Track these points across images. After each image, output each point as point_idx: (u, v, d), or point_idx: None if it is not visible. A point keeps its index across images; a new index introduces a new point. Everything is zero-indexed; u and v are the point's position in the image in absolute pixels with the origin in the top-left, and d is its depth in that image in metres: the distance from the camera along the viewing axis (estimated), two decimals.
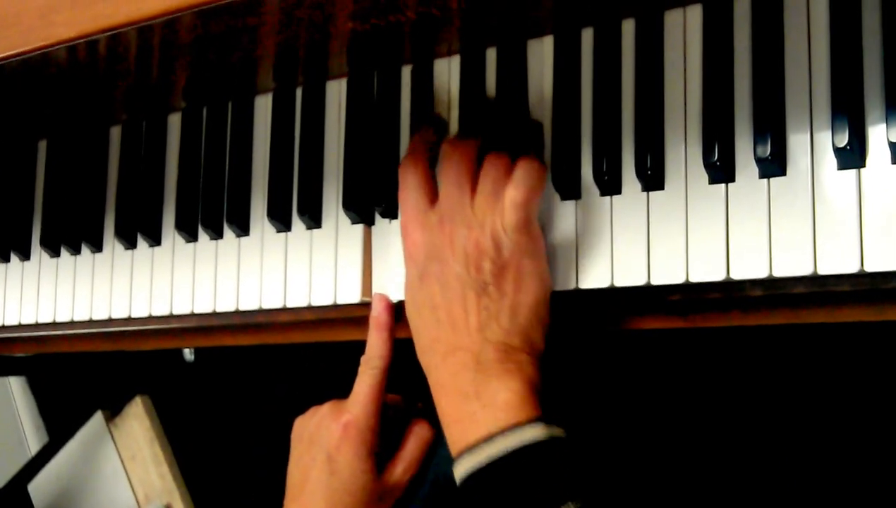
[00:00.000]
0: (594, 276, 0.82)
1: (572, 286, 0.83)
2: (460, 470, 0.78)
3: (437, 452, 0.94)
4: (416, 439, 0.94)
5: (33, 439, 1.93)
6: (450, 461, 0.80)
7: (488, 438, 0.77)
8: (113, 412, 1.53)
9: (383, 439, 0.92)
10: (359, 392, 0.91)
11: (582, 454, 0.78)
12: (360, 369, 0.92)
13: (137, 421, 1.48)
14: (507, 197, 0.80)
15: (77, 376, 1.76)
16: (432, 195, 0.86)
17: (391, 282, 0.93)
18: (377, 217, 0.95)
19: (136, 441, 1.48)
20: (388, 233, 0.94)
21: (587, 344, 1.19)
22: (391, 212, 0.94)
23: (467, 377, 0.79)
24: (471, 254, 0.80)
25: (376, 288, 0.94)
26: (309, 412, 0.95)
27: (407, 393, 0.96)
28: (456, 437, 0.80)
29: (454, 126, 0.92)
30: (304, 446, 0.93)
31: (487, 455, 0.77)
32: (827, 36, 0.76)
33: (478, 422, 0.78)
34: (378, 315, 0.92)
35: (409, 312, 0.86)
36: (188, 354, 1.51)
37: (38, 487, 1.61)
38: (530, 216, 0.81)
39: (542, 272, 0.82)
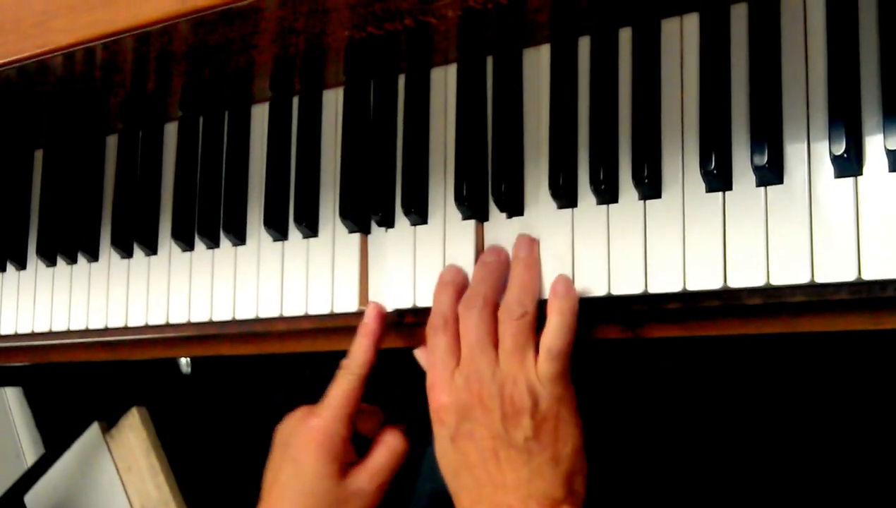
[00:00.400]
0: (590, 285, 0.82)
1: None
2: None
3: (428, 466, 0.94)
4: (384, 448, 0.92)
5: (30, 450, 1.92)
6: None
7: None
8: (109, 423, 1.53)
9: (360, 447, 0.92)
10: (332, 396, 0.91)
11: None
12: (338, 373, 0.92)
13: (134, 432, 1.48)
14: (545, 347, 0.80)
15: (73, 387, 1.75)
16: (458, 354, 0.85)
17: (387, 291, 0.93)
18: (374, 225, 0.95)
19: (133, 453, 1.48)
20: (384, 241, 0.94)
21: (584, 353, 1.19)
22: (388, 221, 0.94)
23: None
24: (507, 411, 0.79)
25: (373, 296, 0.94)
26: (285, 417, 0.95)
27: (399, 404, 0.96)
28: None
29: (451, 133, 0.92)
30: (277, 450, 0.94)
31: None
32: (824, 43, 0.76)
33: None
34: (368, 322, 0.92)
35: (445, 473, 0.85)
36: (185, 366, 1.51)
37: (34, 498, 1.61)
38: (567, 364, 0.80)
39: (577, 418, 0.81)
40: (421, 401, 0.86)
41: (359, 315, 0.94)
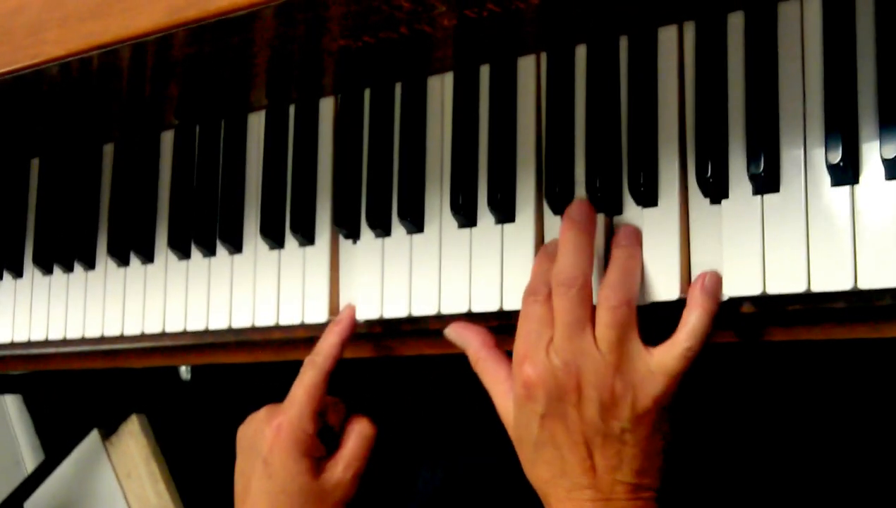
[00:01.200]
0: None
1: None
2: None
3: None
4: (355, 436, 0.93)
5: (29, 457, 1.92)
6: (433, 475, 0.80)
7: None
8: (109, 430, 1.53)
9: (328, 441, 0.93)
10: (295, 392, 0.92)
11: None
12: (302, 369, 0.92)
13: (133, 439, 1.48)
14: (681, 346, 0.76)
15: (73, 394, 1.75)
16: (552, 327, 0.81)
17: (379, 298, 0.93)
18: (371, 235, 0.95)
19: (133, 459, 1.48)
20: (381, 250, 0.94)
21: None
22: (386, 231, 0.93)
23: None
24: (605, 401, 0.77)
25: (363, 302, 0.94)
26: (248, 419, 0.95)
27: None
28: None
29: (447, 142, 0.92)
30: (244, 454, 0.94)
31: None
32: (820, 52, 0.76)
33: None
34: (341, 320, 0.92)
35: (524, 447, 0.82)
36: (184, 372, 1.51)
37: (34, 505, 1.61)
38: (689, 366, 0.77)
39: (672, 415, 0.79)
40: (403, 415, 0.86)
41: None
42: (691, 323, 0.77)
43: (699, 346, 0.77)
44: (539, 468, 0.81)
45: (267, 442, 0.91)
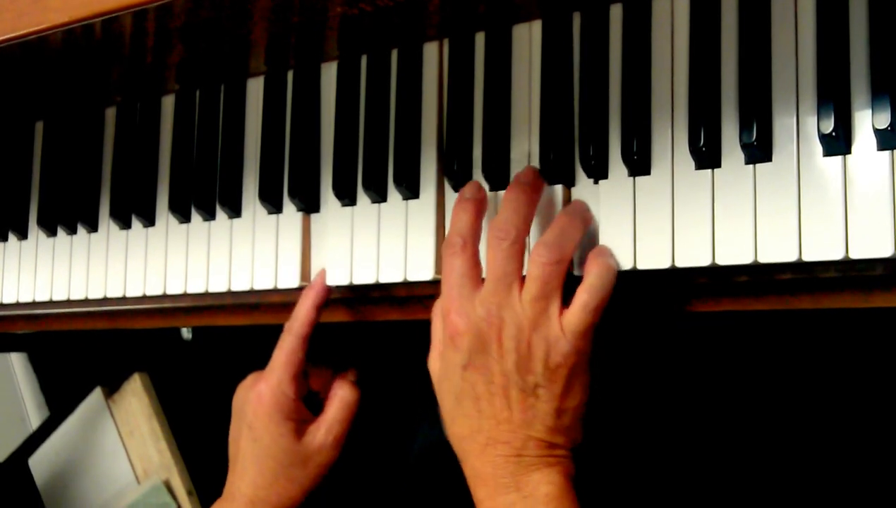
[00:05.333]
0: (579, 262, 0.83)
1: None
2: None
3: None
4: (336, 401, 0.96)
5: (34, 414, 1.94)
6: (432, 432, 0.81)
7: None
8: (112, 388, 1.54)
9: (315, 406, 0.95)
10: (275, 358, 0.94)
11: None
12: (281, 336, 0.94)
13: (136, 397, 1.49)
14: (580, 299, 0.78)
15: (77, 353, 1.76)
16: (478, 280, 0.83)
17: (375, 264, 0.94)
18: (361, 200, 0.96)
19: (135, 418, 1.49)
20: (378, 215, 0.94)
21: None
22: (381, 196, 0.94)
23: (508, 469, 0.79)
24: (522, 354, 0.79)
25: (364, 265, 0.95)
26: (239, 385, 0.98)
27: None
28: None
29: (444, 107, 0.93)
30: (234, 420, 0.97)
31: None
32: (814, 22, 0.76)
33: None
34: (313, 285, 0.94)
35: (443, 394, 0.84)
36: (186, 332, 1.52)
37: (38, 462, 1.62)
38: (595, 322, 0.79)
39: (587, 376, 0.81)
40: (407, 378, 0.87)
41: (348, 289, 0.95)
42: (589, 281, 0.79)
43: (599, 302, 0.79)
44: (458, 423, 0.83)
45: (251, 408, 0.94)
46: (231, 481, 0.96)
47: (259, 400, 0.94)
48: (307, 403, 0.96)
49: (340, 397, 0.96)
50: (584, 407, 0.81)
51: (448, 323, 0.82)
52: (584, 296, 0.79)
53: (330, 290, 0.95)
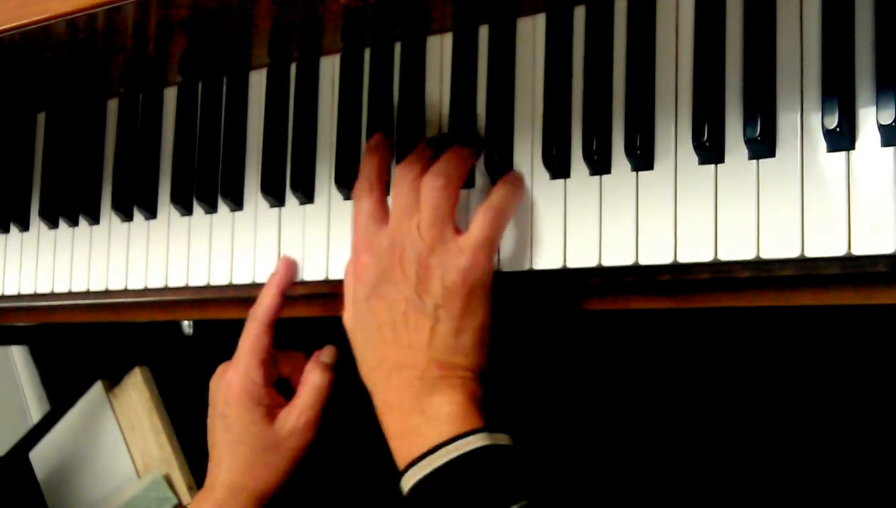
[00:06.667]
0: (582, 256, 0.83)
1: (559, 265, 0.83)
2: (407, 484, 0.80)
3: None
4: (307, 385, 0.96)
5: (35, 408, 1.94)
6: None
7: (433, 449, 0.79)
8: (113, 382, 1.54)
9: (288, 392, 0.96)
10: (241, 346, 0.96)
11: (529, 458, 0.79)
12: (246, 324, 0.96)
13: (137, 391, 1.49)
14: (478, 217, 0.82)
15: (78, 346, 1.77)
16: (385, 217, 0.87)
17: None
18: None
19: (136, 412, 1.49)
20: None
21: (572, 323, 1.20)
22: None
23: (411, 393, 0.81)
24: (421, 277, 0.82)
25: None
26: (213, 376, 0.99)
27: None
28: (402, 453, 0.82)
29: (446, 102, 0.92)
30: (210, 409, 0.98)
31: (432, 466, 0.78)
32: (819, 16, 0.76)
33: (423, 436, 0.80)
34: (277, 272, 0.96)
35: (354, 331, 0.87)
36: (187, 327, 1.52)
37: (38, 455, 1.62)
38: (496, 238, 0.83)
39: (488, 297, 0.83)
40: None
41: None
42: (489, 200, 0.83)
43: (496, 219, 0.82)
44: (367, 358, 0.85)
45: (222, 396, 0.96)
46: (210, 471, 0.98)
47: (229, 388, 0.95)
48: (281, 388, 0.96)
49: (312, 381, 0.96)
50: (486, 331, 0.83)
51: (356, 261, 0.86)
52: (482, 212, 0.82)
53: (293, 276, 0.97)
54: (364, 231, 0.86)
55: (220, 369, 0.98)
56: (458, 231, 0.83)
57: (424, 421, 0.81)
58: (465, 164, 0.86)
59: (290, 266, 0.96)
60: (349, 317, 0.87)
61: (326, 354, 0.99)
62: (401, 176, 0.85)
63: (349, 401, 0.89)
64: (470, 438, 0.79)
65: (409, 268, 0.82)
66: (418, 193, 0.84)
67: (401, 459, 0.82)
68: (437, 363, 0.81)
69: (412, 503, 0.79)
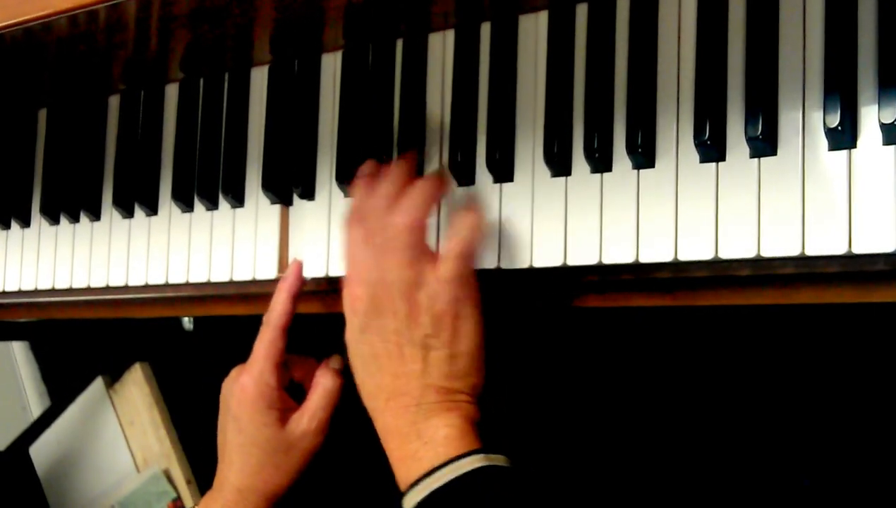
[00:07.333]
0: (581, 253, 0.83)
1: (559, 263, 0.84)
2: (407, 506, 0.81)
3: None
4: (318, 389, 0.97)
5: (35, 403, 1.94)
6: None
7: (430, 472, 0.80)
8: (113, 378, 1.54)
9: (299, 395, 0.97)
10: (256, 350, 0.96)
11: (527, 477, 0.80)
12: (261, 329, 0.96)
13: (137, 387, 1.49)
14: (446, 247, 0.84)
15: (79, 342, 1.77)
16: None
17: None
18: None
19: (136, 407, 1.50)
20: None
21: (572, 321, 1.20)
22: None
23: (408, 419, 0.83)
24: (410, 311, 0.84)
25: None
26: (226, 378, 0.99)
27: None
28: (402, 476, 0.83)
29: (448, 99, 0.93)
30: (222, 412, 0.98)
31: (430, 489, 0.80)
32: (822, 14, 0.76)
33: (420, 459, 0.82)
34: (288, 276, 0.96)
35: (353, 361, 0.89)
36: (187, 323, 1.52)
37: (39, 450, 1.62)
38: (469, 266, 0.84)
39: (478, 317, 0.85)
40: None
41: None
42: (454, 231, 0.85)
43: (464, 250, 0.84)
44: (365, 384, 0.87)
45: (235, 399, 0.96)
46: (219, 471, 0.98)
47: (243, 391, 0.95)
48: (291, 392, 0.97)
49: (322, 385, 0.97)
50: (480, 351, 0.85)
51: (347, 293, 0.88)
52: (450, 246, 0.84)
53: (304, 280, 0.97)
54: (354, 261, 0.88)
55: (234, 372, 0.98)
56: (435, 257, 0.85)
57: (422, 444, 0.82)
58: (434, 195, 0.87)
59: (301, 269, 0.97)
60: (348, 343, 0.89)
61: (336, 360, 0.99)
62: (374, 213, 0.87)
63: (356, 405, 0.89)
64: (466, 460, 0.80)
65: (397, 304, 0.84)
66: (391, 229, 0.85)
67: (402, 481, 0.83)
68: (434, 388, 0.83)
69: None
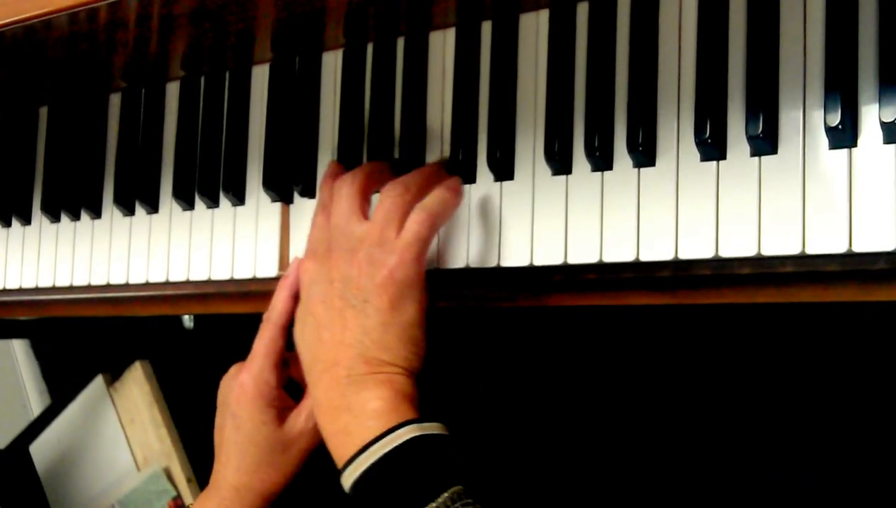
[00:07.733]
0: (582, 251, 0.83)
1: (560, 261, 0.84)
2: (346, 482, 0.81)
3: None
4: None
5: (36, 401, 1.94)
6: None
7: (364, 447, 0.80)
8: (113, 376, 1.54)
9: (296, 393, 0.96)
10: (256, 348, 0.96)
11: (463, 443, 0.80)
12: (261, 326, 0.96)
13: (137, 385, 1.49)
14: (412, 216, 0.84)
15: (79, 340, 1.77)
16: (326, 225, 0.90)
17: None
18: None
19: (136, 405, 1.50)
20: None
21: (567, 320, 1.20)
22: None
23: (339, 391, 0.83)
24: (353, 273, 0.84)
25: None
26: (224, 376, 0.99)
27: None
28: (337, 452, 0.83)
29: (449, 97, 0.93)
30: (219, 411, 0.98)
31: (366, 464, 0.79)
32: (822, 13, 0.76)
33: (352, 434, 0.81)
34: (288, 275, 0.95)
35: (297, 336, 0.90)
36: (187, 321, 1.52)
37: (39, 448, 1.63)
38: (428, 239, 0.85)
39: (421, 295, 0.85)
40: None
41: None
42: (424, 201, 0.85)
43: (429, 218, 0.84)
44: (305, 357, 0.88)
45: (234, 397, 0.96)
46: (216, 470, 0.98)
47: (242, 389, 0.95)
48: (289, 391, 0.97)
49: None
50: (416, 329, 0.85)
51: (302, 270, 0.90)
52: (415, 213, 0.84)
53: None
54: (310, 239, 0.91)
55: (233, 370, 0.98)
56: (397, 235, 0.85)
57: (352, 418, 0.82)
58: (429, 179, 0.88)
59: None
60: (297, 318, 0.90)
61: None
62: (341, 184, 0.89)
63: None
64: (399, 431, 0.79)
65: (342, 267, 0.85)
66: (360, 199, 0.87)
67: (337, 458, 0.83)
68: (364, 359, 0.83)
69: (356, 500, 0.80)
